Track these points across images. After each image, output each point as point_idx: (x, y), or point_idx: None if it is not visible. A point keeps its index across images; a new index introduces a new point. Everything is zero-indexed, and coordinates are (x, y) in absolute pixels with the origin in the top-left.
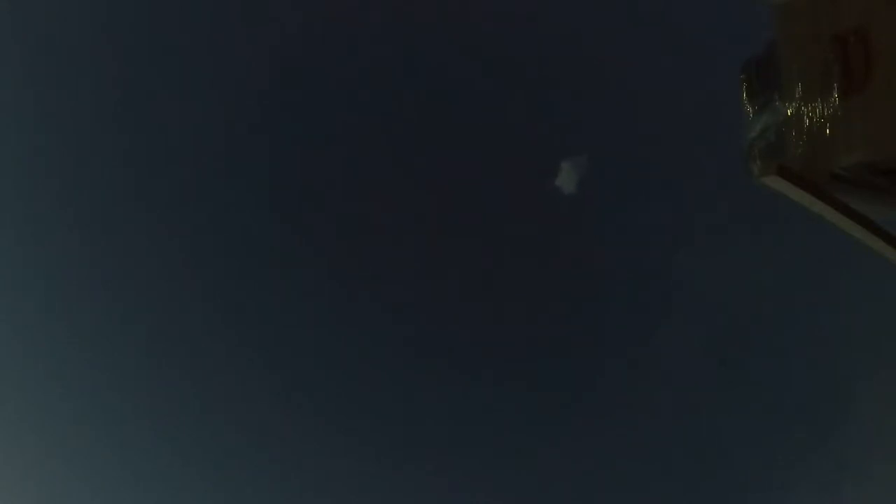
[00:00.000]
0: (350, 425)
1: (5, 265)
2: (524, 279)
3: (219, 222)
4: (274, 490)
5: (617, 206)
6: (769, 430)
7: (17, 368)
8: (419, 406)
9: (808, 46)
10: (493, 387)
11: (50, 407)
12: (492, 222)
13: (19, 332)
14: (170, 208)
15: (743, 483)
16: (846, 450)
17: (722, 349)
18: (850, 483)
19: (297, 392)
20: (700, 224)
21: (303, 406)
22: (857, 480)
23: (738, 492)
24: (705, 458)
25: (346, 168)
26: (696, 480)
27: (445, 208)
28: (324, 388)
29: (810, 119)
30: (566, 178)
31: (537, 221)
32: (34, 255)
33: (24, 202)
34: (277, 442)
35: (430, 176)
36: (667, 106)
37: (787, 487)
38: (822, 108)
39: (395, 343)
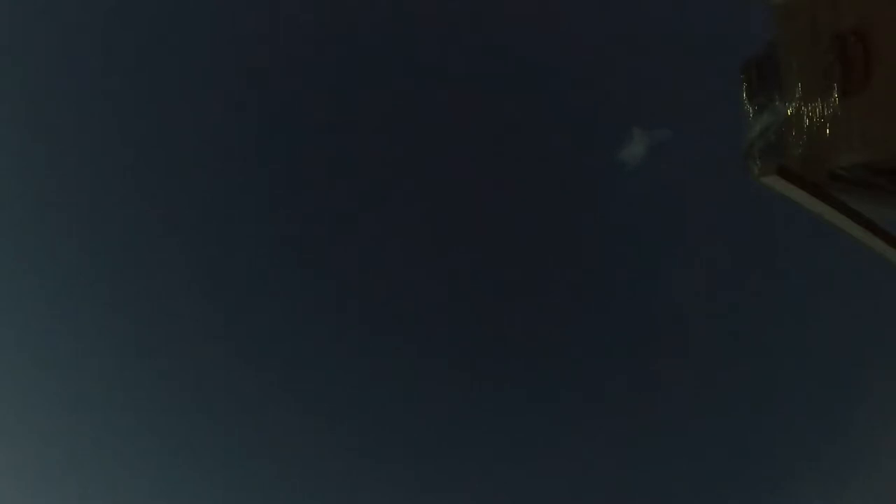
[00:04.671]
0: (350, 425)
1: (6, 265)
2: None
3: (222, 223)
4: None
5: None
6: (770, 430)
7: (15, 368)
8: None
9: (808, 46)
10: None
11: (48, 406)
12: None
13: (19, 333)
14: (169, 208)
15: (746, 483)
16: (848, 449)
17: (724, 348)
18: (853, 482)
19: (298, 393)
20: (696, 227)
21: (303, 407)
22: (860, 479)
23: (741, 492)
24: (708, 458)
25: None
26: (699, 480)
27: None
28: (324, 386)
29: (810, 119)
30: (635, 148)
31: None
32: (34, 255)
33: (23, 201)
34: (280, 443)
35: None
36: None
37: (790, 487)
38: (822, 108)
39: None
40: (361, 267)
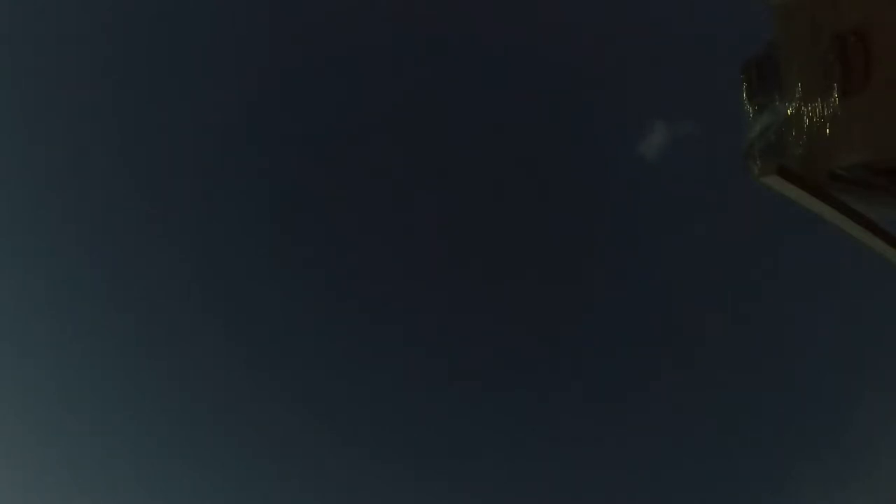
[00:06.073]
0: (347, 425)
1: (6, 265)
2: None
3: (223, 223)
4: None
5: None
6: (771, 430)
7: (14, 368)
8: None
9: (808, 46)
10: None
11: (47, 406)
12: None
13: (18, 332)
14: (168, 208)
15: (747, 483)
16: (848, 449)
17: (724, 348)
18: (853, 482)
19: (299, 393)
20: (701, 224)
21: (304, 407)
22: (860, 479)
23: (742, 492)
24: (709, 458)
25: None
26: (700, 480)
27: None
28: (322, 386)
29: (810, 119)
30: (654, 140)
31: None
32: (33, 255)
33: (23, 202)
34: (284, 444)
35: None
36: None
37: (790, 487)
38: (822, 108)
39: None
40: (367, 262)
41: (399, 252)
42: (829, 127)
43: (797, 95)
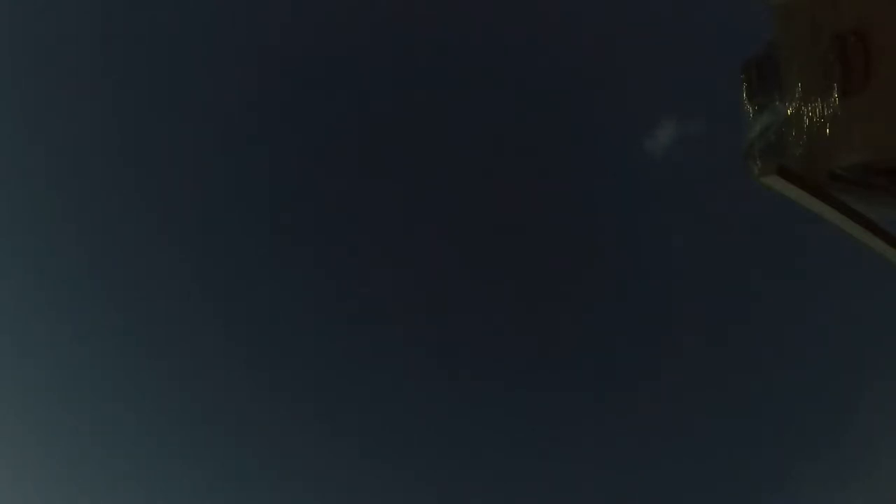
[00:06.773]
0: (344, 426)
1: (6, 265)
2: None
3: (222, 224)
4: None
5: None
6: (771, 430)
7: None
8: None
9: (808, 46)
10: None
11: (47, 406)
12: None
13: (17, 332)
14: (171, 210)
15: (746, 483)
16: (848, 449)
17: (724, 348)
18: (853, 482)
19: (302, 393)
20: (704, 223)
21: (307, 407)
22: (860, 479)
23: (742, 492)
24: (709, 458)
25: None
26: (700, 480)
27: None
28: (321, 386)
29: (810, 119)
30: (662, 138)
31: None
32: (33, 255)
33: (23, 203)
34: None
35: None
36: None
37: (790, 487)
38: (822, 108)
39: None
40: (367, 262)
41: (400, 251)
42: (829, 127)
43: (797, 95)
